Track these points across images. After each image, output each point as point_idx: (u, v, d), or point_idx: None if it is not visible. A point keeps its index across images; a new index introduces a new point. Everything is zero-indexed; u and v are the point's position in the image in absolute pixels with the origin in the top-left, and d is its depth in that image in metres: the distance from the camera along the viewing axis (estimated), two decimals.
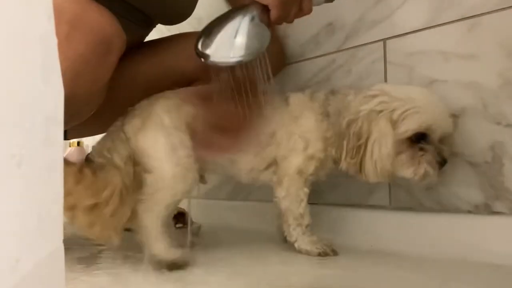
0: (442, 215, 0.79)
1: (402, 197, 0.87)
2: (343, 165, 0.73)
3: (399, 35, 0.89)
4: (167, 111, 0.74)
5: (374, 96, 0.72)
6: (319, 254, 0.74)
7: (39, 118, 0.29)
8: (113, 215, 0.65)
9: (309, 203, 0.78)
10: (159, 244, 0.67)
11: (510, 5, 0.75)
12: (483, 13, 0.77)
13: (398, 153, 0.70)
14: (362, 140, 0.70)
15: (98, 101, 0.84)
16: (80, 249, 0.82)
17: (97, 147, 0.75)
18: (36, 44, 0.28)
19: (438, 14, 0.84)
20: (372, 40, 0.94)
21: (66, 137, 1.08)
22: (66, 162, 0.61)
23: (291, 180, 0.77)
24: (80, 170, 0.64)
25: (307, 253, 0.75)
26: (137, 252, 0.83)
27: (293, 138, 0.77)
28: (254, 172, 0.81)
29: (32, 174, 0.28)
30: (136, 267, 0.69)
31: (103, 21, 0.70)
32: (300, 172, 0.76)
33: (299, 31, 1.09)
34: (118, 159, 0.70)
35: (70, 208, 0.61)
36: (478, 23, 0.78)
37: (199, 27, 1.15)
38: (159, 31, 1.06)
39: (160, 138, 0.71)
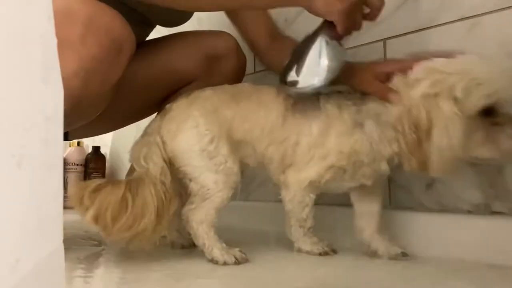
0: (442, 215, 0.79)
1: (402, 197, 0.87)
2: (405, 164, 0.66)
3: (399, 35, 0.89)
4: (204, 115, 0.73)
5: (420, 79, 0.64)
6: (320, 254, 0.74)
7: (39, 118, 0.29)
8: (150, 234, 0.68)
9: None
10: (216, 250, 0.69)
11: (510, 5, 0.75)
12: (483, 13, 0.77)
13: (469, 134, 0.61)
14: (422, 131, 0.62)
15: (106, 102, 0.85)
16: (80, 249, 0.82)
17: (134, 153, 0.74)
18: (36, 44, 0.28)
19: (438, 14, 0.84)
20: (372, 40, 0.94)
21: (67, 138, 1.08)
22: (106, 186, 0.67)
23: (299, 187, 0.74)
24: (124, 197, 0.66)
25: (308, 253, 0.75)
26: (136, 252, 0.83)
27: (313, 149, 0.73)
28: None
29: (32, 174, 0.28)
30: (136, 267, 0.69)
31: (116, 24, 0.72)
32: (311, 182, 0.73)
33: (299, 31, 1.08)
34: (154, 170, 0.70)
35: (110, 234, 0.66)
36: (478, 23, 0.78)
37: (199, 27, 1.15)
38: (158, 32, 1.06)
39: (195, 146, 0.71)
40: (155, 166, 0.71)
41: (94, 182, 0.68)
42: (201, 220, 0.70)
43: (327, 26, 0.73)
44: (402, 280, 0.60)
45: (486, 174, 0.75)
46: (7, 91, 0.25)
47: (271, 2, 0.81)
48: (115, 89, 0.82)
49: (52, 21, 0.29)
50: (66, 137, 1.04)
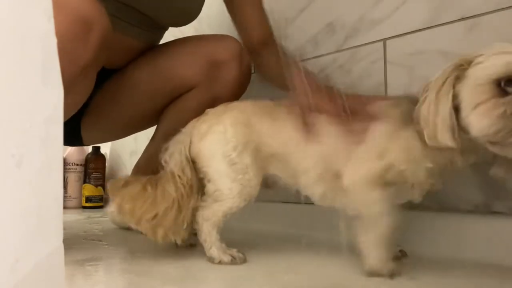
0: (442, 215, 0.79)
1: None
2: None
3: (399, 35, 0.89)
4: (234, 124, 0.74)
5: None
6: (389, 277, 0.61)
7: (38, 118, 0.29)
8: (173, 222, 0.71)
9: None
10: (214, 248, 0.71)
11: (510, 5, 0.75)
12: (483, 13, 0.77)
13: (476, 105, 0.55)
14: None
15: (85, 90, 0.82)
16: (80, 249, 0.82)
17: (165, 150, 0.78)
18: (36, 44, 0.28)
19: (438, 14, 0.84)
20: (372, 40, 0.94)
21: (82, 143, 1.11)
22: (133, 181, 0.75)
23: (360, 186, 0.66)
24: (144, 187, 0.73)
25: (378, 273, 0.62)
26: (136, 252, 0.83)
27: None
28: None
29: (31, 174, 0.28)
30: (136, 267, 0.69)
31: (85, 3, 0.70)
32: (374, 178, 0.65)
33: (299, 31, 1.09)
34: (174, 166, 0.74)
35: (137, 222, 0.72)
36: (478, 23, 0.78)
37: (199, 28, 1.15)
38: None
39: (219, 150, 0.73)
40: (176, 162, 0.74)
41: (123, 179, 0.76)
42: (207, 217, 0.71)
43: None
44: (402, 279, 0.60)
45: (486, 174, 0.75)
46: (6, 91, 0.25)
47: None
48: (92, 77, 0.80)
49: (52, 21, 0.29)
50: (82, 142, 1.08)
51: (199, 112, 0.91)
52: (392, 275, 0.61)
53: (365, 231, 0.63)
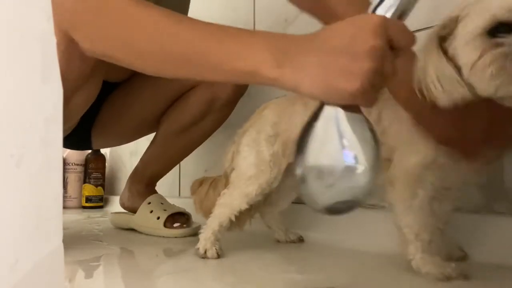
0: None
1: None
2: None
3: None
4: (273, 124, 0.75)
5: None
6: (446, 279, 0.56)
7: (38, 118, 0.29)
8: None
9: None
10: (202, 241, 0.72)
11: None
12: None
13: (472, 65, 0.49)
14: None
15: (95, 86, 0.81)
16: (80, 249, 0.82)
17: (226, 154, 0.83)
18: (36, 44, 0.28)
19: (438, 14, 0.83)
20: None
21: (91, 147, 1.17)
22: (204, 181, 0.86)
23: (408, 177, 0.61)
24: (209, 187, 0.84)
25: (427, 275, 0.58)
26: (136, 252, 0.83)
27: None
28: None
29: (31, 173, 0.28)
30: (136, 267, 0.69)
31: None
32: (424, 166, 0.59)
33: (299, 31, 1.08)
34: (228, 169, 0.79)
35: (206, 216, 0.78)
36: None
37: None
38: None
39: (253, 141, 0.75)
40: (226, 165, 0.80)
41: (202, 179, 0.87)
42: (223, 206, 0.73)
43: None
44: (402, 280, 0.60)
45: (486, 174, 0.75)
46: (6, 91, 0.25)
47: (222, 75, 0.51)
48: (101, 72, 0.79)
49: (52, 21, 0.29)
50: (90, 146, 1.13)
51: (198, 112, 0.92)
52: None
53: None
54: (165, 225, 0.98)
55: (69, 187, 1.75)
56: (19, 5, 0.26)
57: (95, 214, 1.51)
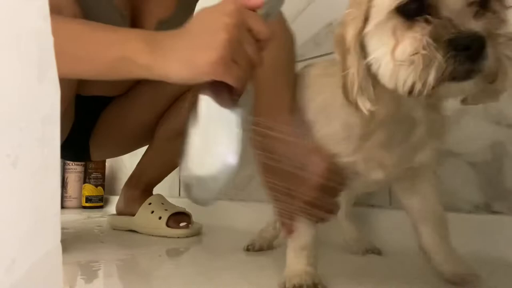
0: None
1: None
2: None
3: None
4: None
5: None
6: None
7: (34, 118, 0.28)
8: None
9: None
10: None
11: (510, 5, 0.74)
12: None
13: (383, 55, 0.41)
14: None
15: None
16: (79, 250, 0.82)
17: None
18: (32, 44, 0.28)
19: None
20: None
21: (90, 159, 1.16)
22: None
23: None
24: None
25: None
26: (135, 253, 0.83)
27: None
28: None
29: (28, 173, 0.28)
30: (135, 267, 0.69)
31: None
32: None
33: (299, 31, 1.08)
34: None
35: None
36: None
37: None
38: None
39: None
40: None
41: None
42: None
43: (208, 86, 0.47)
44: (402, 281, 0.60)
45: (486, 174, 0.75)
46: (2, 90, 0.25)
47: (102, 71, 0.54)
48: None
49: (48, 21, 0.29)
50: (89, 158, 1.14)
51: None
52: None
53: None
54: (167, 225, 0.97)
55: (69, 187, 1.75)
56: (15, 3, 0.26)
57: (95, 214, 1.51)
